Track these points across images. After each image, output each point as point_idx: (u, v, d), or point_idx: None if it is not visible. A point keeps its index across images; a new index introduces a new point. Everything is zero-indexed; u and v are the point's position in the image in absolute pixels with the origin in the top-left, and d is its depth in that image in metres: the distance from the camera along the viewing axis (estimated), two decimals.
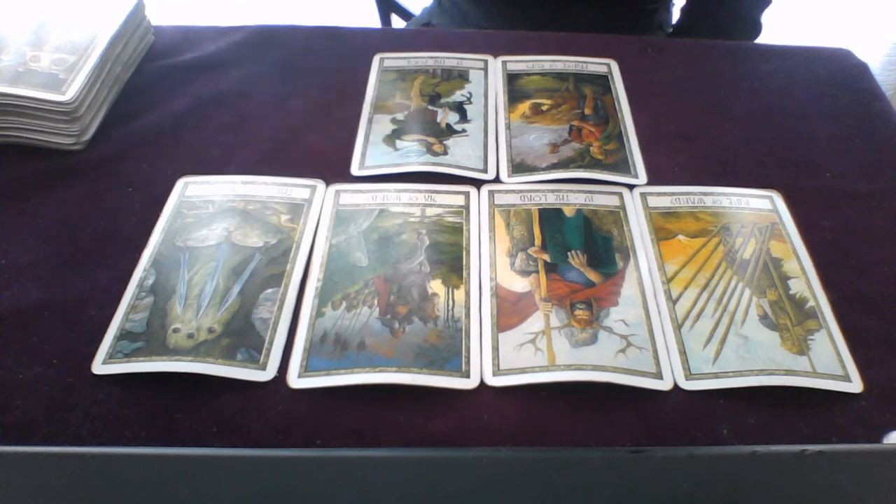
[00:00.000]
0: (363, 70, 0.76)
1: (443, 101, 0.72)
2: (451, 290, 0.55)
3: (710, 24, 0.93)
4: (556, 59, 0.77)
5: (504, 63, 0.77)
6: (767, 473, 0.39)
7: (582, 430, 0.48)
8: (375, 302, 0.54)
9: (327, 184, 0.63)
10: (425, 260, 0.57)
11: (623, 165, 0.65)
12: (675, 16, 1.01)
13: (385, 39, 0.81)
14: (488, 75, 0.75)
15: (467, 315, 0.53)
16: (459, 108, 0.71)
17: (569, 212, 0.61)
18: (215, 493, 0.38)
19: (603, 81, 0.75)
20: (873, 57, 1.38)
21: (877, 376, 0.50)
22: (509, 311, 0.54)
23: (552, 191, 0.63)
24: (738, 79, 0.76)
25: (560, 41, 0.80)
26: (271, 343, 0.51)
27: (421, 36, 0.82)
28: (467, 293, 0.55)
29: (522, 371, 0.50)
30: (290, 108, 0.71)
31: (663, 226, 0.60)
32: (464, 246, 0.58)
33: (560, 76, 0.75)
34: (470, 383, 0.49)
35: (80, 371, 0.50)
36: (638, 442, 0.47)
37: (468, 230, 0.59)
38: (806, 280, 0.56)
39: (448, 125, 0.69)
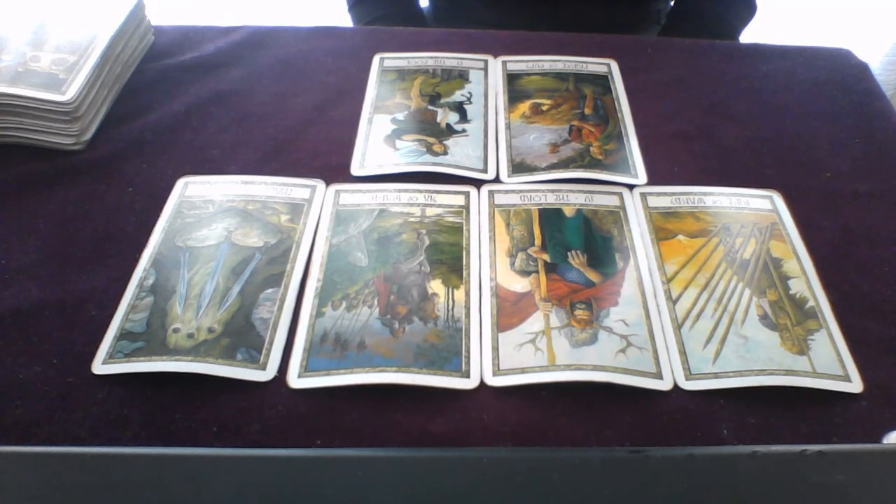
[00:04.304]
0: (363, 70, 0.76)
1: (443, 101, 0.72)
2: (451, 290, 0.55)
3: (705, 5, 0.94)
4: (556, 59, 0.77)
5: (504, 63, 0.77)
6: (767, 473, 0.39)
7: (582, 430, 0.48)
8: (375, 302, 0.54)
9: (327, 184, 0.63)
10: (425, 260, 0.57)
11: (623, 165, 0.65)
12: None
13: (385, 39, 0.81)
14: (488, 75, 0.75)
15: (467, 315, 0.53)
16: (459, 108, 0.71)
17: (569, 212, 0.61)
18: (215, 493, 0.38)
19: (603, 81, 0.75)
20: (873, 57, 1.38)
21: (877, 376, 0.50)
22: (509, 311, 0.54)
23: (552, 191, 0.63)
24: (738, 79, 0.76)
25: (560, 41, 0.80)
26: (271, 343, 0.51)
27: (421, 36, 0.82)
28: (467, 293, 0.55)
29: (522, 371, 0.50)
30: (290, 108, 0.71)
31: (663, 226, 0.60)
32: (464, 246, 0.58)
33: (560, 76, 0.75)
34: (470, 383, 0.49)
35: (80, 371, 0.50)
36: (638, 442, 0.47)
37: (468, 230, 0.59)
38: (806, 280, 0.56)
39: (448, 125, 0.69)
